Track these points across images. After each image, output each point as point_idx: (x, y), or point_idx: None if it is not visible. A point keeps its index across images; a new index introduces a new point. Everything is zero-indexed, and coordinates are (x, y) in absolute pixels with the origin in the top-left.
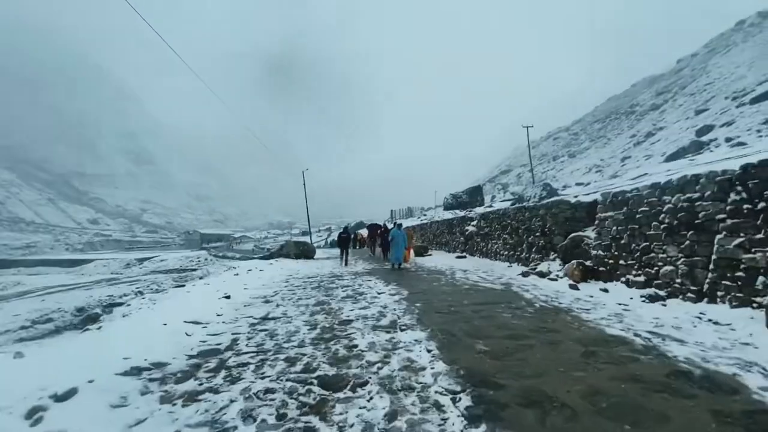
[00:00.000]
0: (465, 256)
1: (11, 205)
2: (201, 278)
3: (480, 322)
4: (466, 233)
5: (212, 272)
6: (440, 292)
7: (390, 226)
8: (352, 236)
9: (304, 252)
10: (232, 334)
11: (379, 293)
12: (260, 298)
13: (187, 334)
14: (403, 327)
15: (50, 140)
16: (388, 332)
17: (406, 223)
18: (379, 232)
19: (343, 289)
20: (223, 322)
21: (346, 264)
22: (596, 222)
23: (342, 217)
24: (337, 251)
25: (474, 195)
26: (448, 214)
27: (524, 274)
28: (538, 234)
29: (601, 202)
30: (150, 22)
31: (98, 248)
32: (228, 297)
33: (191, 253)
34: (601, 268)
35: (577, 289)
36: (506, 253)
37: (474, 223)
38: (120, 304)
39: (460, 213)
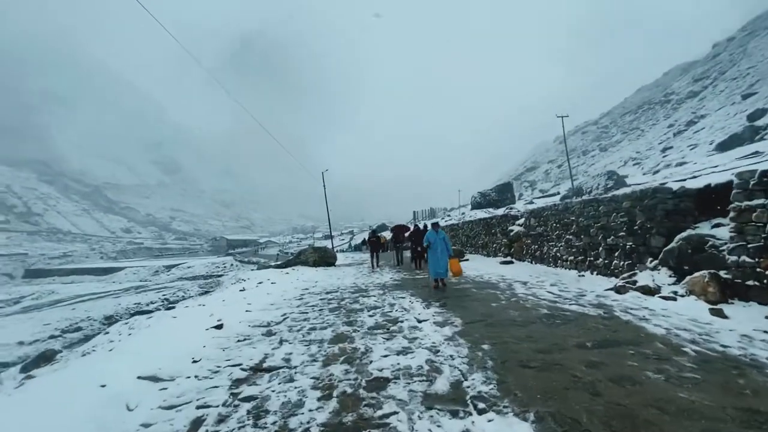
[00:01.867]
0: (512, 262)
1: (49, 217)
2: (200, 295)
3: (617, 393)
4: (511, 234)
5: (223, 283)
6: (509, 321)
7: (421, 226)
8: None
9: (324, 258)
10: (198, 407)
11: (419, 321)
12: (261, 327)
13: (128, 408)
14: (480, 404)
15: (84, 154)
16: (454, 415)
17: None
18: (406, 234)
19: (369, 312)
20: (196, 377)
21: (375, 267)
22: (731, 215)
23: (363, 219)
24: (359, 256)
25: (504, 192)
26: (482, 213)
27: (618, 290)
28: (622, 233)
29: (739, 185)
30: (161, 21)
31: (130, 256)
32: (220, 326)
33: (217, 259)
34: (749, 283)
35: (724, 316)
36: (572, 258)
37: (520, 221)
38: (123, 319)
39: (499, 211)
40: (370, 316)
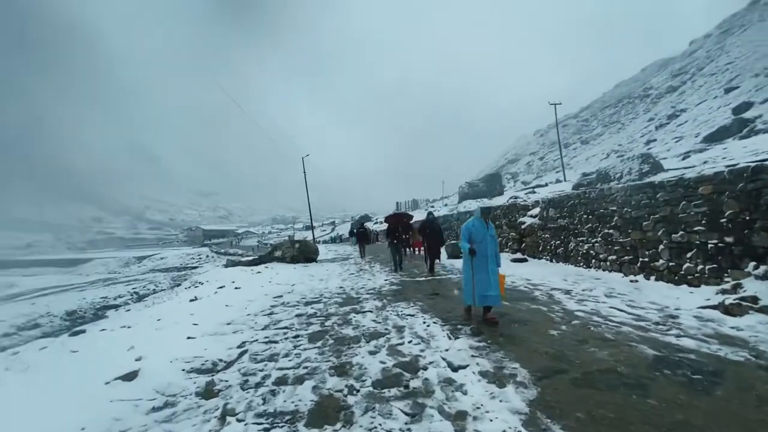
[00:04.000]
0: (526, 260)
1: (13, 204)
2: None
3: None
4: (522, 227)
5: (180, 285)
6: (611, 375)
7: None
8: (369, 231)
9: (304, 253)
10: None
11: (452, 367)
12: (200, 375)
13: None
14: None
15: (51, 137)
16: None
17: (416, 216)
18: (408, 225)
19: (369, 343)
20: None
21: (362, 257)
22: None
23: (345, 210)
24: (343, 249)
25: (492, 183)
26: (475, 204)
27: (728, 310)
28: (699, 228)
29: None
30: None
31: (101, 246)
32: (132, 375)
33: (192, 250)
34: None
35: None
36: (614, 258)
37: (534, 212)
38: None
39: (498, 199)
40: (372, 353)
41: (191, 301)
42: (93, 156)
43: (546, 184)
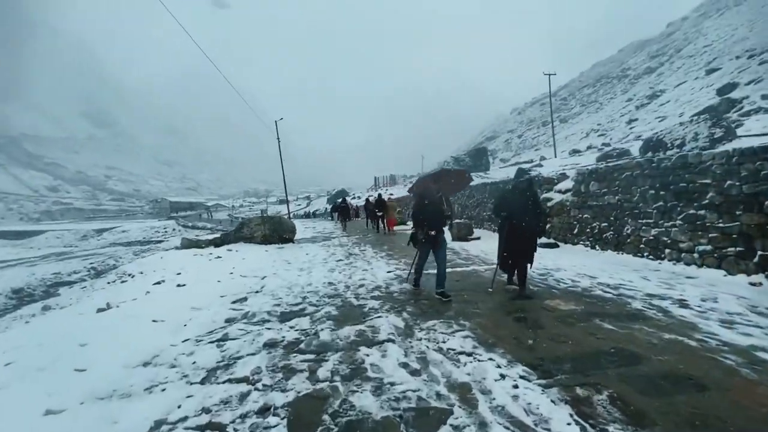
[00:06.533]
0: (556, 245)
1: None
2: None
3: None
4: (547, 204)
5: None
6: None
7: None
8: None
9: (279, 232)
10: None
11: None
12: None
13: None
14: None
15: None
16: None
17: (394, 192)
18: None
19: None
20: None
21: (345, 229)
22: None
23: (321, 185)
24: (322, 226)
25: (478, 157)
26: (477, 178)
27: None
28: None
29: None
30: None
31: (57, 218)
32: None
33: (158, 223)
34: None
35: None
36: (705, 248)
37: (562, 186)
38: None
39: (498, 175)
40: None
41: (99, 311)
42: (42, 119)
43: (531, 161)
